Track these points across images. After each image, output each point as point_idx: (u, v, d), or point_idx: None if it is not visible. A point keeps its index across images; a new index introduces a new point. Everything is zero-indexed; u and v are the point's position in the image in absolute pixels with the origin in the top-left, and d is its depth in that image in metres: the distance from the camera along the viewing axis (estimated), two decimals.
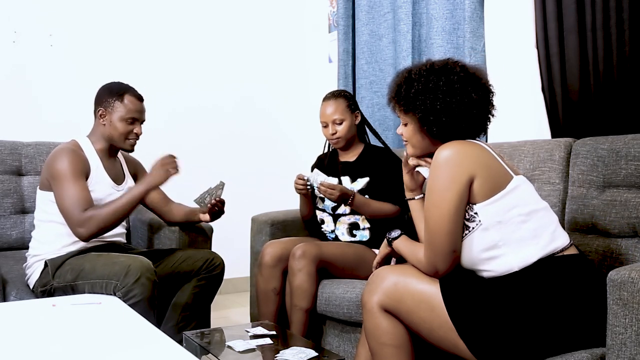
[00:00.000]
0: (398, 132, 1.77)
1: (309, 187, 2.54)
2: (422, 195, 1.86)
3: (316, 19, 4.02)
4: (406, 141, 1.75)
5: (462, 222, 1.59)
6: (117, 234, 2.43)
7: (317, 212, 2.66)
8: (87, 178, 2.29)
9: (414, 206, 1.84)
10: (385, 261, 1.91)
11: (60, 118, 3.32)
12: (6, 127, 3.16)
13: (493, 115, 1.70)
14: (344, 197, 2.43)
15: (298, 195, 2.67)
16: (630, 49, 2.15)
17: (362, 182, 2.54)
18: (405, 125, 1.73)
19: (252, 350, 1.93)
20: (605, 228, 1.92)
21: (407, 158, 1.82)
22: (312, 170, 2.73)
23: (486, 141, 1.79)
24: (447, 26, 2.86)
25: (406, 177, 1.86)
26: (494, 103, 1.69)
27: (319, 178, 2.47)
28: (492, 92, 1.69)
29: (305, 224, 2.79)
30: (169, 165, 2.29)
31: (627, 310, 1.33)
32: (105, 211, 2.20)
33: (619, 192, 1.91)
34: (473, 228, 1.59)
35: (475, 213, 1.58)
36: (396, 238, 1.81)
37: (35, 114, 3.33)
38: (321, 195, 2.60)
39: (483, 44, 2.70)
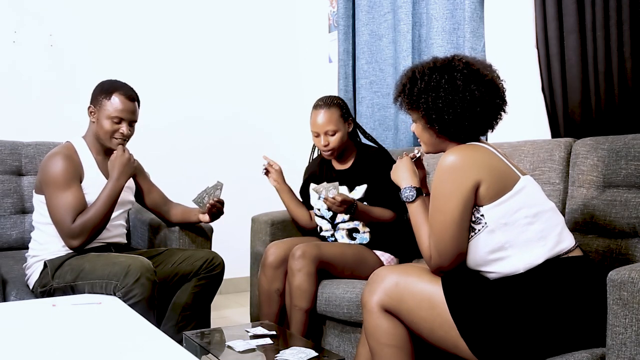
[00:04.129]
0: (412, 129, 1.78)
1: (319, 196, 2.47)
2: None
3: (316, 19, 4.02)
4: (419, 139, 1.76)
5: (468, 226, 1.59)
6: (118, 234, 2.43)
7: (316, 218, 2.65)
8: (81, 181, 2.28)
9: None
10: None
11: (60, 118, 3.33)
12: (6, 127, 3.16)
13: (504, 112, 1.67)
14: (348, 208, 2.39)
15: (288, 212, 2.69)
16: (631, 49, 2.15)
17: (360, 190, 2.52)
18: (415, 122, 1.74)
19: (252, 350, 1.92)
20: (605, 228, 1.92)
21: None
22: (305, 177, 2.72)
23: (486, 141, 1.79)
24: (447, 26, 2.86)
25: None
26: (505, 99, 1.66)
27: (333, 191, 2.37)
28: (502, 88, 1.66)
29: (299, 228, 2.76)
30: (129, 159, 2.29)
31: (627, 310, 1.33)
32: (91, 214, 2.18)
33: (619, 192, 1.91)
34: (479, 230, 1.59)
35: (482, 215, 1.58)
36: (413, 200, 1.73)
37: (35, 114, 3.33)
38: (318, 206, 2.58)
39: (483, 44, 2.70)
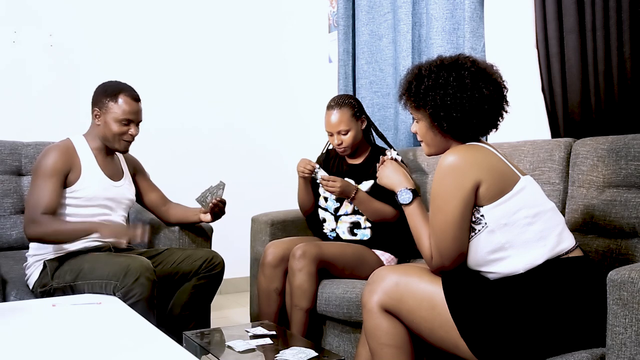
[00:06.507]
0: (412, 130, 1.76)
1: (313, 175, 2.55)
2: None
3: (316, 19, 4.02)
4: (421, 140, 1.74)
5: (469, 226, 1.59)
6: None
7: (320, 210, 2.66)
8: (78, 177, 2.29)
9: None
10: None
11: (60, 118, 3.33)
12: (6, 127, 3.16)
13: (506, 112, 1.68)
14: (346, 191, 2.44)
15: (297, 194, 2.67)
16: (630, 49, 2.15)
17: (366, 185, 2.54)
18: (417, 122, 1.72)
19: (252, 350, 1.92)
20: (605, 228, 1.92)
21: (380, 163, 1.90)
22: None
23: (486, 141, 1.78)
24: (447, 26, 2.86)
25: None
26: (507, 99, 1.67)
27: (319, 173, 2.50)
28: (505, 88, 1.67)
29: (308, 221, 2.78)
30: (135, 234, 2.25)
31: (627, 310, 1.33)
32: (56, 226, 2.19)
33: (619, 192, 1.91)
34: (479, 230, 1.59)
35: (482, 215, 1.58)
36: (410, 203, 1.73)
37: (35, 114, 3.33)
38: (325, 195, 2.60)
39: (483, 44, 2.70)
